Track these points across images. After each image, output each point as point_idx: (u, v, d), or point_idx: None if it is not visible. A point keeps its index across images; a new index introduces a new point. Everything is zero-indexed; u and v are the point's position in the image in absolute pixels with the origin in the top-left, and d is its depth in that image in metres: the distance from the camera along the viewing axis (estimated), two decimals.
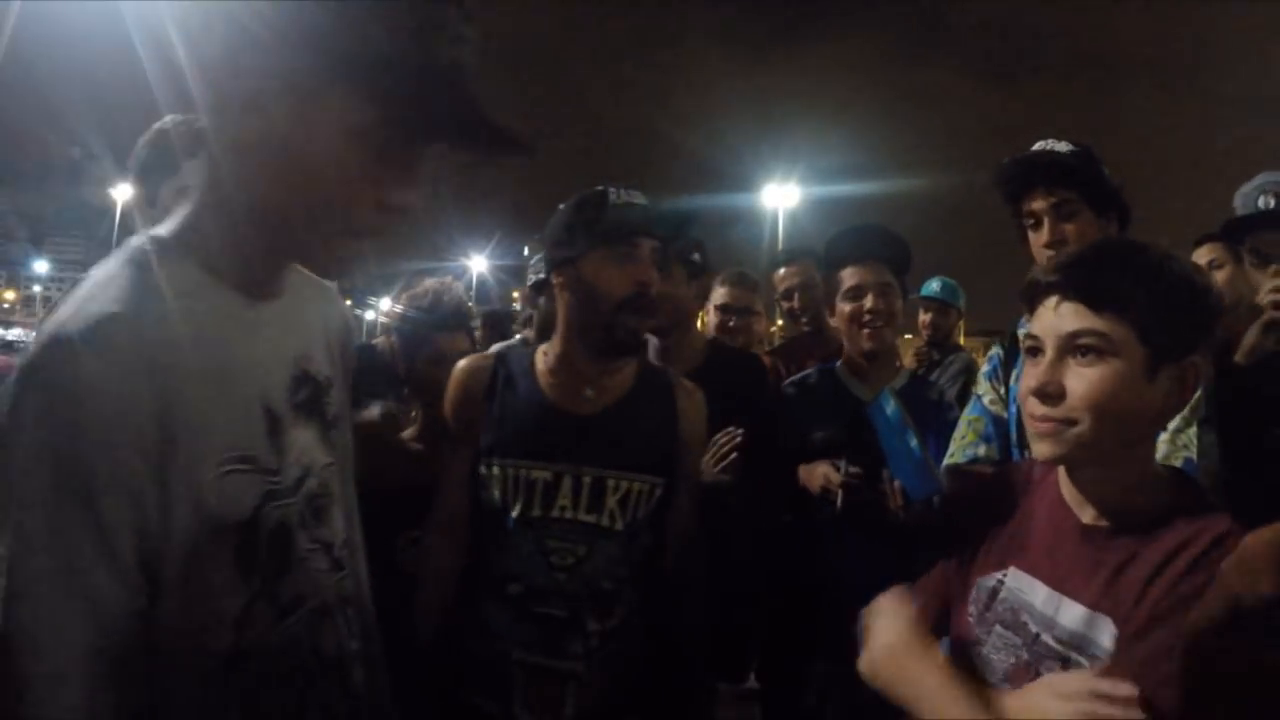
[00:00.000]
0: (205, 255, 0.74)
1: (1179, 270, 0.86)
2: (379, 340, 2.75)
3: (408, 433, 1.74)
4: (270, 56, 0.66)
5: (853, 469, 1.58)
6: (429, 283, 1.78)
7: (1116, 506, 0.88)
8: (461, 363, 1.44)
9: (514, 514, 1.30)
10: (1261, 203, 1.66)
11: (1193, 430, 1.32)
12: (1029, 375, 0.89)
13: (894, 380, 1.77)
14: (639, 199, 1.35)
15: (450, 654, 1.33)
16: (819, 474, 1.65)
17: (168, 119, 1.63)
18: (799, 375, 1.92)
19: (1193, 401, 1.32)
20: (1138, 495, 0.87)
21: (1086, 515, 0.91)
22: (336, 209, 0.69)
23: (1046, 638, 0.88)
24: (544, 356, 1.41)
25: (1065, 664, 0.85)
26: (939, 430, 1.67)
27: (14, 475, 0.61)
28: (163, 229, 0.75)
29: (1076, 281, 0.86)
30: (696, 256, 2.00)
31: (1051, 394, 0.86)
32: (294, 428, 0.80)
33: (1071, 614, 0.87)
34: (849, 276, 1.72)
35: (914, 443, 1.45)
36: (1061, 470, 0.94)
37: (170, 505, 0.66)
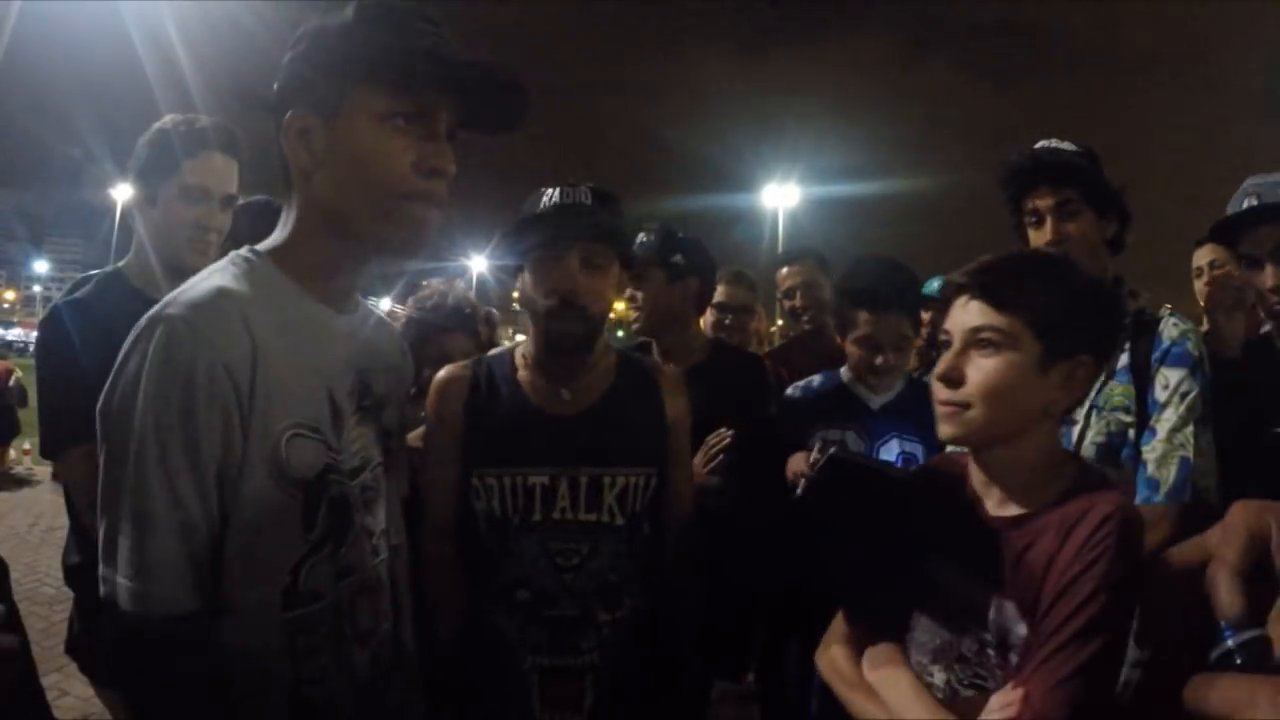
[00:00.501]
0: (295, 269, 0.91)
1: (1081, 279, 0.97)
2: None
3: (416, 433, 1.74)
4: (299, 87, 0.86)
5: (821, 455, 1.57)
6: (433, 284, 1.77)
7: (1018, 491, 0.97)
8: (440, 374, 1.44)
9: (515, 521, 1.30)
10: (1246, 204, 1.66)
11: (1189, 429, 1.32)
12: (938, 364, 0.99)
13: (896, 384, 1.78)
14: (566, 199, 1.32)
15: (463, 666, 1.33)
16: (792, 465, 1.65)
17: (167, 119, 1.64)
18: (804, 380, 1.93)
19: (1189, 401, 1.33)
20: (1037, 480, 0.96)
21: (991, 502, 0.99)
22: (388, 184, 0.86)
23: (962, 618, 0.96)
24: (523, 359, 1.41)
25: (982, 644, 0.94)
26: None
27: (136, 410, 0.77)
28: (261, 246, 0.93)
29: (983, 282, 0.96)
30: (678, 258, 1.99)
31: (953, 379, 0.96)
32: (355, 425, 0.95)
33: (980, 596, 0.94)
34: (864, 324, 1.72)
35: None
36: (971, 459, 1.03)
37: (249, 449, 0.81)
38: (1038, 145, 1.52)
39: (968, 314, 0.97)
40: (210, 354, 0.78)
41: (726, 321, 2.57)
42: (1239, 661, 0.46)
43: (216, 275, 0.86)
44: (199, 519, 0.79)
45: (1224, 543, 0.50)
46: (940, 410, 0.98)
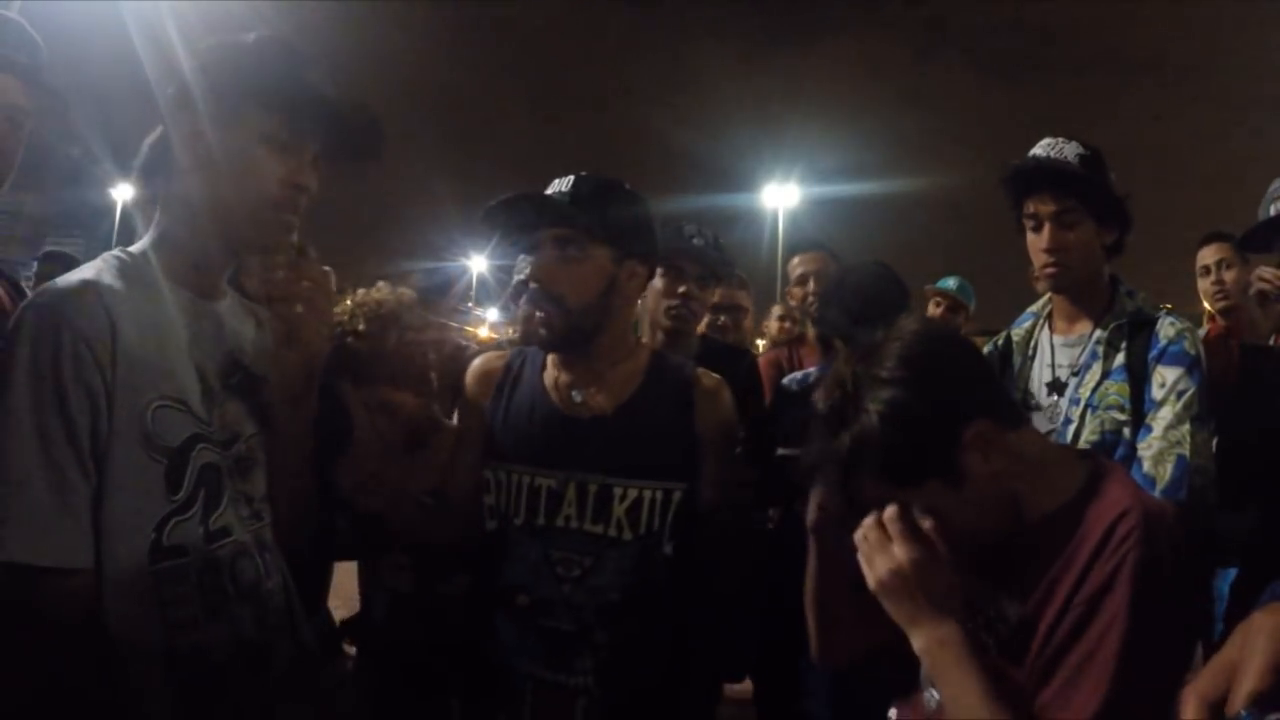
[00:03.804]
0: (166, 263, 1.03)
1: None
2: None
3: None
4: (200, 98, 0.99)
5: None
6: (372, 293, 1.67)
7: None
8: (476, 361, 1.41)
9: (518, 522, 1.26)
10: (1273, 210, 1.65)
11: (1186, 427, 1.32)
12: None
13: None
14: (542, 190, 1.29)
15: (464, 663, 1.32)
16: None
17: None
18: (800, 373, 1.93)
19: (1186, 399, 1.33)
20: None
21: None
22: (262, 191, 1.01)
23: None
24: (553, 358, 1.34)
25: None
26: None
27: (11, 385, 0.88)
28: (134, 246, 1.04)
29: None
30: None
31: None
32: (226, 401, 1.06)
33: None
34: (842, 351, 1.67)
35: None
36: None
37: (116, 418, 0.92)
38: (1043, 144, 1.50)
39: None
40: (73, 335, 0.89)
41: (719, 320, 2.58)
42: None
43: (85, 269, 0.99)
44: (77, 480, 0.89)
45: (1246, 662, 0.47)
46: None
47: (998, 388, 1.06)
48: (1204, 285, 2.61)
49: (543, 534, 1.25)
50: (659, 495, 1.25)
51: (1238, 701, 0.46)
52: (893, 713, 1.03)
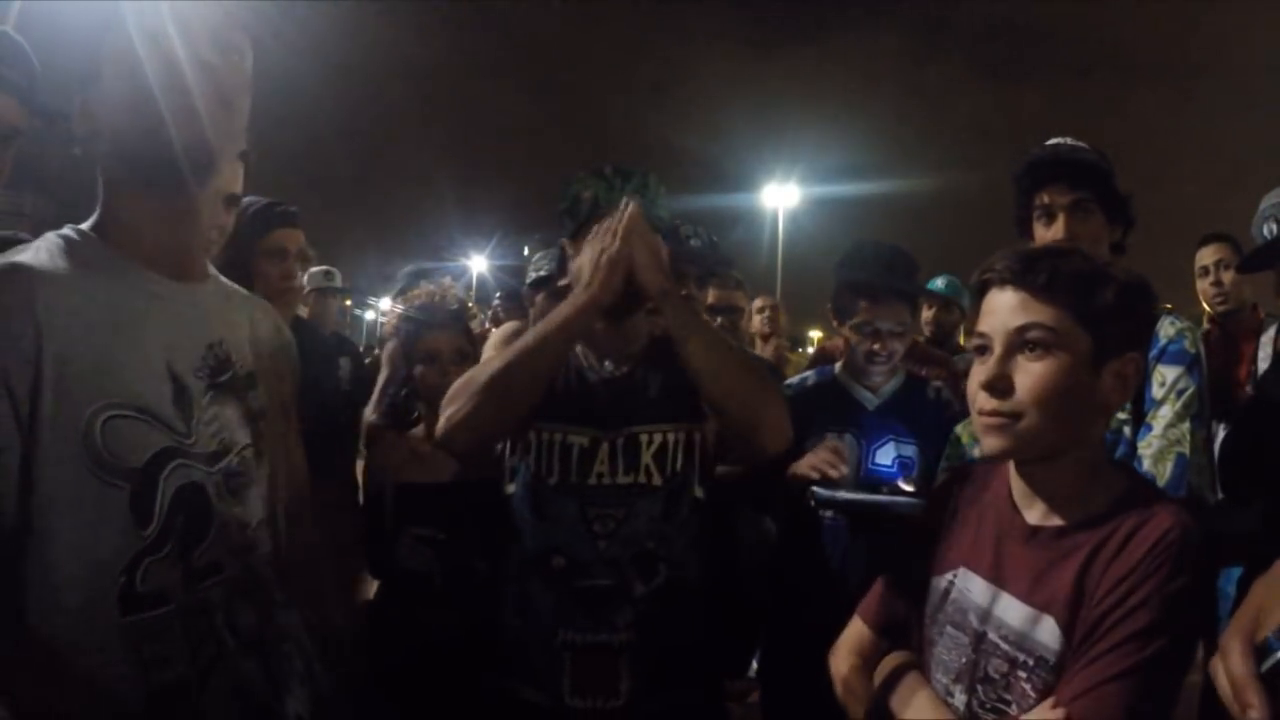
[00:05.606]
0: (119, 240, 0.85)
1: (1118, 271, 0.89)
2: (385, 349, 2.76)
3: (415, 432, 1.75)
4: (78, 76, 0.82)
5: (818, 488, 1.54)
6: (424, 285, 1.80)
7: (1064, 503, 0.89)
8: (500, 329, 1.45)
9: (553, 481, 1.29)
10: (1266, 231, 1.66)
11: (1186, 426, 1.32)
12: (977, 371, 0.90)
13: (890, 382, 1.77)
14: (608, 174, 1.35)
15: (488, 643, 1.31)
16: (798, 468, 1.62)
17: None
18: (798, 378, 1.93)
19: (1186, 398, 1.33)
20: (1086, 491, 0.88)
21: (1034, 514, 0.91)
22: (160, 87, 0.81)
23: (993, 636, 0.89)
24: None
25: (1013, 664, 0.86)
26: (935, 431, 1.67)
27: None
28: (85, 224, 0.87)
29: (1024, 272, 0.87)
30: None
31: (1000, 388, 0.86)
32: (211, 404, 0.87)
33: (1014, 612, 0.87)
34: (863, 310, 1.71)
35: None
36: (1011, 469, 0.94)
37: (41, 439, 0.73)
38: (1056, 141, 1.52)
39: (1008, 311, 0.87)
40: None
41: (718, 323, 2.59)
42: None
43: (15, 252, 0.81)
44: None
45: (1273, 599, 0.51)
46: (986, 422, 0.87)
47: None
48: (1203, 286, 2.63)
49: (578, 491, 1.29)
50: (682, 437, 1.33)
51: (1265, 630, 0.50)
52: None
